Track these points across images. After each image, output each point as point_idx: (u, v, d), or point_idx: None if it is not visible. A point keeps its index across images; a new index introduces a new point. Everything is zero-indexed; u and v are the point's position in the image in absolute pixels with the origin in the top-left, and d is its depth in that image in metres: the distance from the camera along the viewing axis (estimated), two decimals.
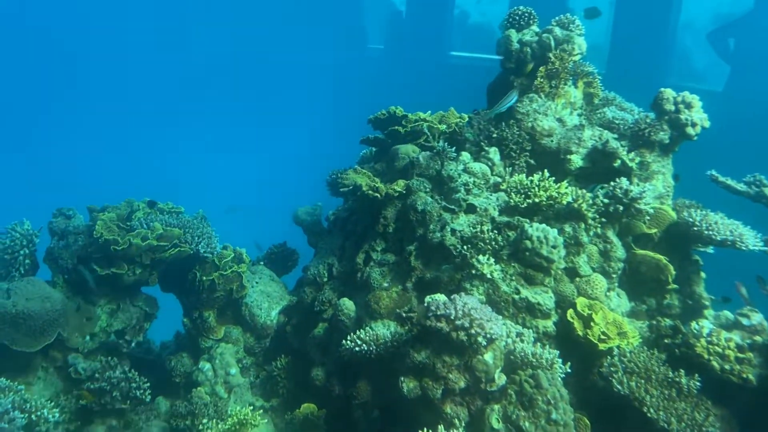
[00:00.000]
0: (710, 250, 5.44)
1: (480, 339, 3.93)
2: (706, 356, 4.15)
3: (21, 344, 4.72)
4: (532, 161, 5.84)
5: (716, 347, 4.16)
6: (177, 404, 5.01)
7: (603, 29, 15.49)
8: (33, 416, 4.12)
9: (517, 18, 6.28)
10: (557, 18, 6.23)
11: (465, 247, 5.02)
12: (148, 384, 5.16)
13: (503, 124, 5.94)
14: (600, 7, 8.40)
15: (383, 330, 4.87)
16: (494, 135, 5.92)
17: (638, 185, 5.42)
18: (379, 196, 5.62)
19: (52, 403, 4.59)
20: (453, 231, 5.23)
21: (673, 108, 5.65)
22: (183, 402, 5.01)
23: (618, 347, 4.38)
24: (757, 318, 4.40)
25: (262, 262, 6.73)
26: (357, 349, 4.65)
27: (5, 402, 3.92)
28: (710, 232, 5.03)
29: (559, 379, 3.93)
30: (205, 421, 4.50)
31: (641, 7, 14.69)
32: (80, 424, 4.81)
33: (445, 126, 6.18)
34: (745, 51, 14.40)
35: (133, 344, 5.74)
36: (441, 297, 4.50)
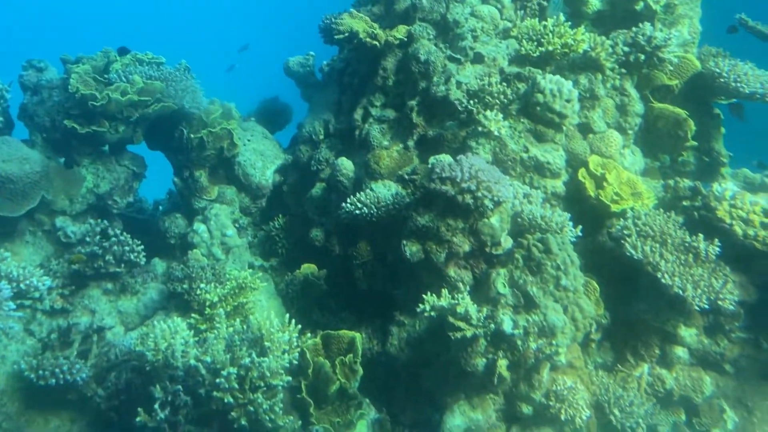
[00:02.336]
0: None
1: (487, 202, 3.71)
2: (728, 220, 3.94)
3: (2, 209, 4.48)
4: (545, 3, 5.28)
5: (740, 211, 3.94)
6: (174, 267, 4.90)
7: None
8: (22, 285, 3.99)
9: None
10: None
11: (471, 101, 4.64)
12: (142, 246, 5.00)
13: None
14: None
15: (384, 191, 4.64)
16: None
17: (662, 31, 4.93)
18: (377, 44, 5.12)
19: (42, 270, 4.45)
20: (458, 83, 4.82)
21: None
22: (180, 265, 4.89)
23: (632, 209, 4.17)
24: None
25: (253, 118, 6.34)
26: (357, 212, 4.45)
27: None
28: (738, 84, 4.64)
29: (570, 243, 3.76)
30: (203, 285, 4.38)
31: None
32: (75, 288, 4.72)
33: None
34: None
35: (123, 204, 5.52)
36: (446, 158, 4.23)
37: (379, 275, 4.79)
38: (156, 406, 3.37)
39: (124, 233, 5.02)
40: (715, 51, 5.30)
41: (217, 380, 3.42)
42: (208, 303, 4.25)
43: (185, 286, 4.56)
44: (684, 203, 4.30)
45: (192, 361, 3.51)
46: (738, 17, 5.64)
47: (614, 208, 4.13)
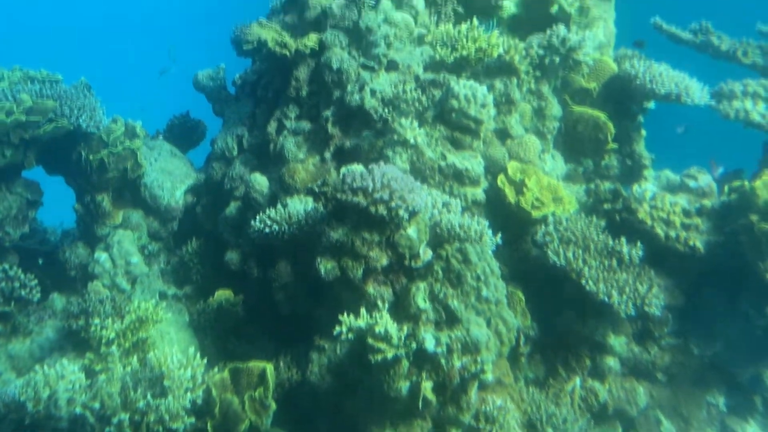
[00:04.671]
0: (651, 105, 5.05)
1: (401, 212, 3.48)
2: (649, 222, 3.83)
3: None
4: (460, 9, 5.15)
5: (660, 212, 3.83)
6: (71, 302, 4.46)
7: None
8: None
9: None
10: None
11: (386, 109, 4.43)
12: (36, 281, 4.55)
13: None
14: None
15: (298, 206, 4.35)
16: None
17: (577, 33, 4.85)
18: (288, 53, 4.87)
19: None
20: (373, 92, 4.60)
21: None
22: (77, 299, 4.46)
23: (553, 214, 4.02)
24: (704, 180, 4.06)
25: (160, 136, 5.95)
26: (267, 230, 4.14)
27: None
28: (654, 85, 4.58)
29: (489, 252, 3.56)
30: (97, 321, 3.96)
31: None
32: None
33: None
34: None
35: (16, 236, 5.03)
36: (358, 168, 3.99)
37: (301, 297, 4.48)
38: None
39: (15, 268, 4.56)
40: (631, 53, 5.29)
41: (107, 429, 3.03)
42: (104, 340, 3.84)
43: (81, 322, 4.13)
44: (605, 206, 4.18)
45: (78, 409, 3.11)
46: (653, 21, 5.67)
47: (535, 214, 3.97)
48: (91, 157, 5.03)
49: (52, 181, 5.63)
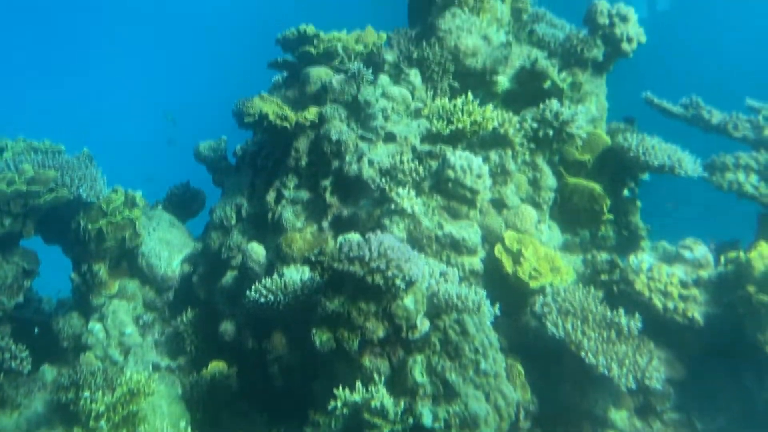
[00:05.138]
0: (646, 177, 5.12)
1: (398, 282, 3.45)
2: (647, 293, 3.81)
3: None
4: (455, 84, 5.31)
5: (658, 283, 3.81)
6: (62, 373, 4.37)
7: None
8: None
9: None
10: None
11: (384, 179, 4.49)
12: (27, 353, 4.48)
13: (424, 42, 5.33)
14: None
15: (294, 276, 4.34)
16: (414, 55, 5.31)
17: (570, 107, 4.98)
18: (288, 125, 4.98)
19: None
20: (371, 162, 4.69)
21: (607, 21, 5.19)
22: (68, 370, 4.37)
23: (551, 284, 3.99)
24: (700, 251, 4.05)
25: (160, 206, 5.99)
26: (263, 300, 4.11)
27: None
28: (647, 157, 4.66)
29: (488, 323, 3.51)
30: (87, 394, 3.86)
31: None
32: None
33: (362, 46, 5.53)
34: None
35: (10, 306, 4.98)
36: (355, 237, 4.00)
37: (296, 370, 4.40)
38: None
39: (6, 338, 4.50)
40: (624, 126, 5.40)
41: None
42: (93, 414, 3.73)
43: (71, 395, 4.03)
44: (603, 277, 4.16)
45: None
46: (644, 96, 5.82)
47: (533, 284, 3.95)
48: (89, 227, 5.06)
49: (50, 251, 5.64)
